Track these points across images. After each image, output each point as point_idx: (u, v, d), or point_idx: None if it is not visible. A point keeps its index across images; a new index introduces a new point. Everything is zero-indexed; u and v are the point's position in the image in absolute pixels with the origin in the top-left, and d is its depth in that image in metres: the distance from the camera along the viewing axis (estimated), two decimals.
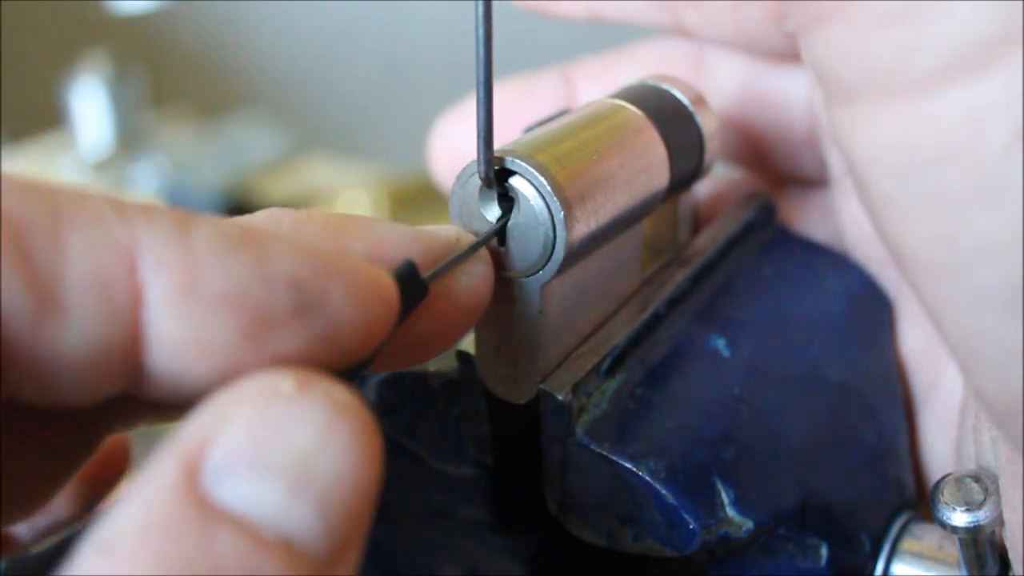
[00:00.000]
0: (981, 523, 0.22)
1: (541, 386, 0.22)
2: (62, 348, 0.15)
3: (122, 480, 0.25)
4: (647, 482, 0.22)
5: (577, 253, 0.22)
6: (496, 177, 0.21)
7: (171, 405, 0.17)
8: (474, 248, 0.21)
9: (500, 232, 0.22)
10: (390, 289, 0.18)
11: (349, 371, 0.18)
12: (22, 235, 0.15)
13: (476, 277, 0.21)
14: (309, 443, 0.15)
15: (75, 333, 0.15)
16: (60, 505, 0.24)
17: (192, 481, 0.15)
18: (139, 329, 0.16)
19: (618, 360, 0.24)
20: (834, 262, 0.30)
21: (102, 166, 1.07)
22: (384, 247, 0.19)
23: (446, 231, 0.21)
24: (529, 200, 0.21)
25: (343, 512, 0.15)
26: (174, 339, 0.16)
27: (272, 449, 0.15)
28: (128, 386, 0.16)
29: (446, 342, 0.21)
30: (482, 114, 0.20)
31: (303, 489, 0.15)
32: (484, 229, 0.22)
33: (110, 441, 0.24)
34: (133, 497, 0.14)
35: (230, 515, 0.14)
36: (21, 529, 0.24)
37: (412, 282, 0.19)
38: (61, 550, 0.15)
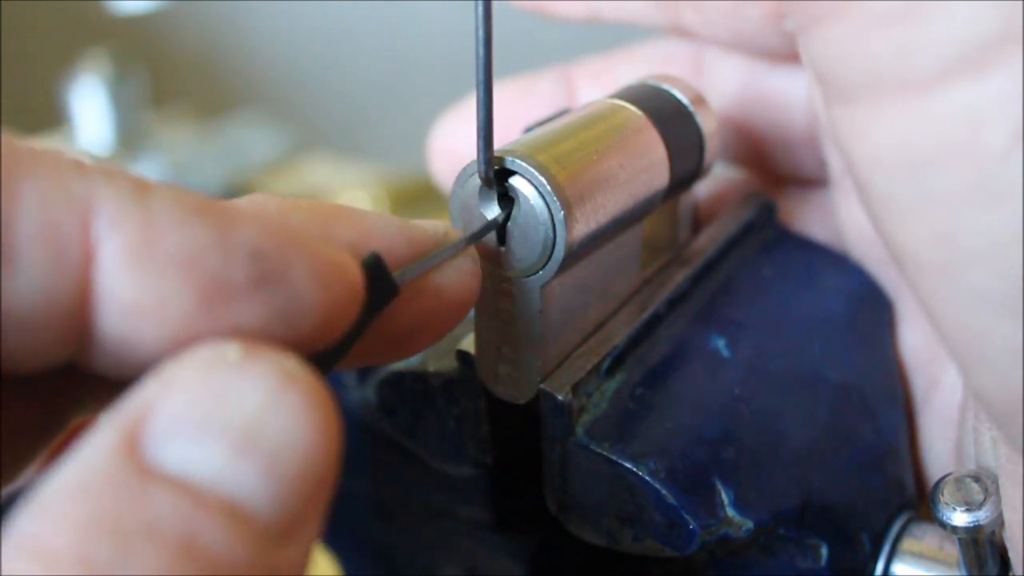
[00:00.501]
0: (981, 523, 0.22)
1: (541, 386, 0.22)
2: (10, 299, 0.15)
3: None
4: (647, 482, 0.22)
5: (577, 253, 0.22)
6: (496, 177, 0.21)
7: (121, 379, 0.16)
8: (455, 249, 0.20)
9: (494, 231, 0.22)
10: (354, 274, 0.17)
11: (319, 362, 0.17)
12: None
13: (463, 272, 0.20)
14: (255, 407, 0.14)
15: (23, 284, 0.15)
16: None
17: (131, 445, 0.14)
18: (89, 288, 0.15)
19: (618, 360, 0.24)
20: (834, 262, 0.30)
21: None
22: (370, 237, 0.19)
23: (434, 226, 0.20)
24: (529, 200, 0.21)
25: (294, 480, 0.15)
26: (125, 300, 0.15)
27: (216, 412, 0.14)
28: (77, 353, 0.16)
29: (432, 337, 0.21)
30: (482, 114, 0.20)
31: (248, 450, 0.14)
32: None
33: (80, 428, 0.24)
34: (69, 462, 0.14)
35: (168, 475, 0.14)
36: None
37: (380, 275, 0.18)
38: None
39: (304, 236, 0.17)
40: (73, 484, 0.14)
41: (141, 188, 0.16)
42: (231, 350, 0.15)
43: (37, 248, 0.15)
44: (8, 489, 0.16)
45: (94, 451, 0.14)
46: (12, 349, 0.15)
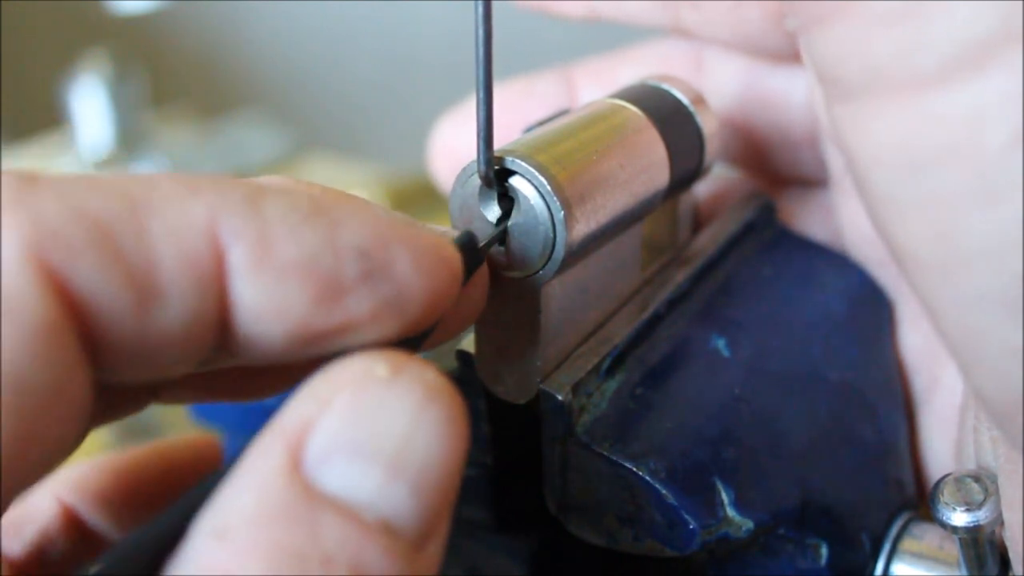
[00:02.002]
0: (981, 523, 0.22)
1: (541, 386, 0.22)
2: (164, 329, 0.16)
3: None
4: (647, 482, 0.22)
5: (577, 253, 0.22)
6: (496, 177, 0.21)
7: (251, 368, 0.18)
8: (491, 242, 0.21)
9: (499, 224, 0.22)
10: (453, 257, 0.18)
11: (412, 340, 0.18)
12: (110, 235, 0.15)
13: (472, 281, 0.21)
14: (404, 426, 0.16)
15: (173, 313, 0.16)
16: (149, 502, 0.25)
17: (296, 466, 0.15)
18: (226, 297, 0.16)
19: (618, 360, 0.24)
20: (834, 262, 0.30)
21: (102, 166, 1.07)
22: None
23: (443, 230, 0.21)
24: (529, 200, 0.21)
25: (435, 492, 0.16)
26: (253, 305, 0.16)
27: (370, 433, 0.15)
28: (215, 353, 0.17)
29: (441, 338, 0.21)
30: (482, 114, 0.20)
31: (399, 472, 0.15)
32: (484, 229, 0.22)
33: (203, 440, 0.25)
34: (242, 482, 0.15)
35: (333, 500, 0.15)
36: (105, 527, 0.24)
37: (470, 252, 0.20)
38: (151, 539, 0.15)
39: (405, 226, 0.18)
40: (252, 511, 0.15)
41: (252, 196, 0.17)
42: (380, 367, 0.16)
43: (180, 278, 0.16)
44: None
45: (264, 473, 0.15)
46: (165, 365, 0.16)
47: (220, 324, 0.16)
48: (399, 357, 0.16)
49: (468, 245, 0.20)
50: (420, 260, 0.18)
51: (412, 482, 0.15)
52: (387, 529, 0.15)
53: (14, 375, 0.14)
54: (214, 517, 0.15)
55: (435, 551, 0.16)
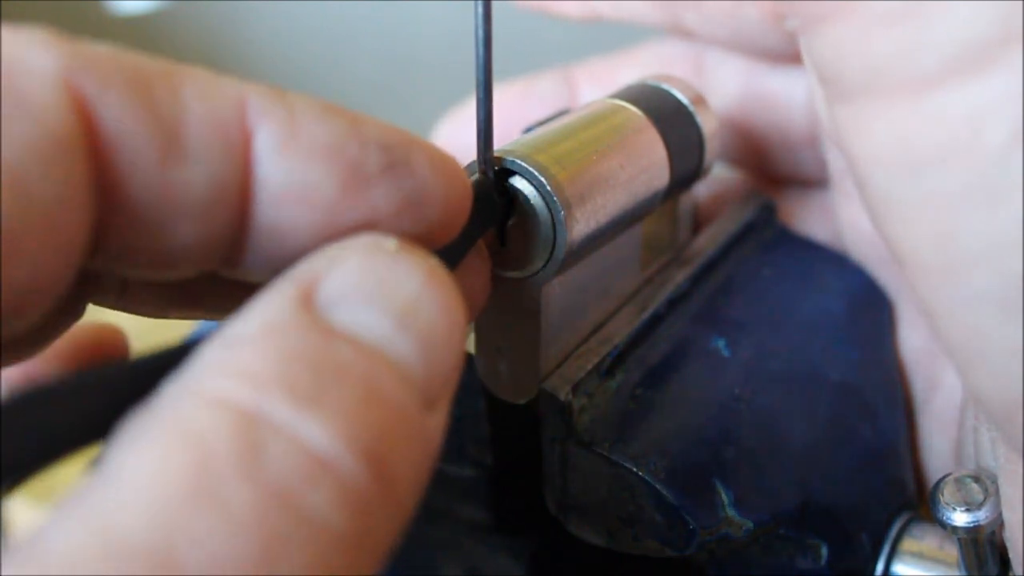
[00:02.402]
0: (981, 523, 0.22)
1: (541, 386, 0.22)
2: (184, 192, 0.16)
3: None
4: (647, 482, 0.22)
5: (577, 253, 0.22)
6: (496, 177, 0.21)
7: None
8: (489, 223, 0.21)
9: (493, 230, 0.22)
10: (462, 171, 0.18)
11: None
12: (143, 80, 0.15)
13: (474, 268, 0.21)
14: (413, 290, 0.16)
15: (198, 174, 0.16)
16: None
17: (308, 302, 0.15)
18: (250, 175, 0.16)
19: (618, 360, 0.24)
20: (834, 262, 0.30)
21: None
22: None
23: None
24: (529, 200, 0.21)
25: (441, 355, 0.16)
26: (278, 186, 0.16)
27: (381, 287, 0.16)
28: (231, 251, 0.17)
29: None
30: (482, 114, 0.20)
31: (408, 325, 0.15)
32: None
33: (109, 332, 0.24)
34: (250, 312, 0.15)
35: (343, 332, 0.15)
36: None
37: (486, 196, 0.20)
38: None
39: (419, 137, 0.18)
40: (263, 324, 0.15)
41: (278, 90, 0.17)
42: (388, 241, 0.16)
43: (208, 139, 0.16)
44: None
45: (274, 302, 0.15)
46: (188, 244, 0.16)
47: (241, 208, 0.16)
48: (404, 239, 0.16)
49: (484, 187, 0.20)
50: (436, 163, 0.18)
51: (421, 337, 0.15)
52: (399, 370, 0.15)
53: (14, 174, 0.14)
54: (220, 336, 0.15)
55: (439, 420, 0.16)
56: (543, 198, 0.21)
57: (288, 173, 0.16)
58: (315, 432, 0.14)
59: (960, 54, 0.17)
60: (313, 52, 1.46)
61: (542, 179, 0.21)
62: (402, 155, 0.17)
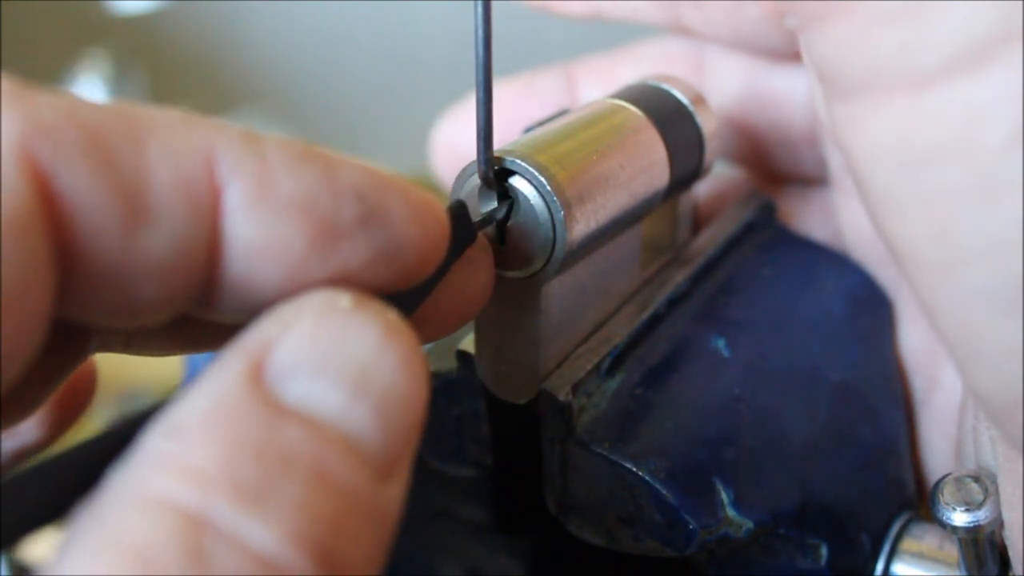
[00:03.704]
0: (981, 523, 0.22)
1: (541, 386, 0.22)
2: (149, 256, 0.15)
3: (88, 406, 0.24)
4: (647, 482, 0.22)
5: (577, 253, 0.22)
6: (496, 177, 0.21)
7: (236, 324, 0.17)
8: (487, 221, 0.21)
9: (494, 229, 0.22)
10: (442, 214, 0.18)
11: (406, 302, 0.18)
12: (104, 144, 0.15)
13: (476, 262, 0.21)
14: (367, 353, 0.15)
15: (162, 238, 0.15)
16: (29, 430, 0.23)
17: (257, 377, 0.15)
18: (218, 233, 0.16)
19: (618, 360, 0.24)
20: (834, 262, 0.30)
21: None
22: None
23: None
24: (529, 200, 0.21)
25: (400, 421, 0.15)
26: (248, 242, 0.16)
27: (333, 354, 0.15)
28: (200, 300, 0.16)
29: (448, 328, 0.21)
30: (482, 114, 0.20)
31: (363, 392, 0.15)
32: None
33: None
34: (197, 391, 0.15)
35: (295, 411, 0.15)
36: None
37: (462, 222, 0.20)
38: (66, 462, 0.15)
39: (397, 178, 0.18)
40: (208, 408, 0.14)
41: (251, 136, 0.16)
42: (342, 298, 0.16)
43: (173, 201, 0.15)
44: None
45: (222, 379, 0.15)
46: (144, 302, 0.16)
47: (208, 264, 0.16)
48: (362, 294, 0.16)
49: (459, 213, 0.20)
50: (413, 210, 0.17)
51: (376, 406, 0.15)
52: (351, 447, 0.15)
53: None
54: (164, 422, 0.14)
55: (399, 488, 0.16)
56: (543, 198, 0.21)
57: (258, 230, 0.16)
58: (261, 534, 0.13)
59: (960, 52, 0.17)
60: (313, 52, 1.46)
61: (542, 179, 0.21)
62: (378, 204, 0.17)
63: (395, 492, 0.15)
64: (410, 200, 0.17)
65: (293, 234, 0.16)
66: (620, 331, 0.24)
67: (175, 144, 0.15)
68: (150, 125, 0.15)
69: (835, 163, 0.29)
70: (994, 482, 0.22)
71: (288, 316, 0.15)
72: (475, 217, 0.21)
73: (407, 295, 0.18)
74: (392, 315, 0.16)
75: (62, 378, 0.19)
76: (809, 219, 0.32)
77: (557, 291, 0.22)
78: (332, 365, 0.15)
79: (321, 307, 0.16)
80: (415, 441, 0.16)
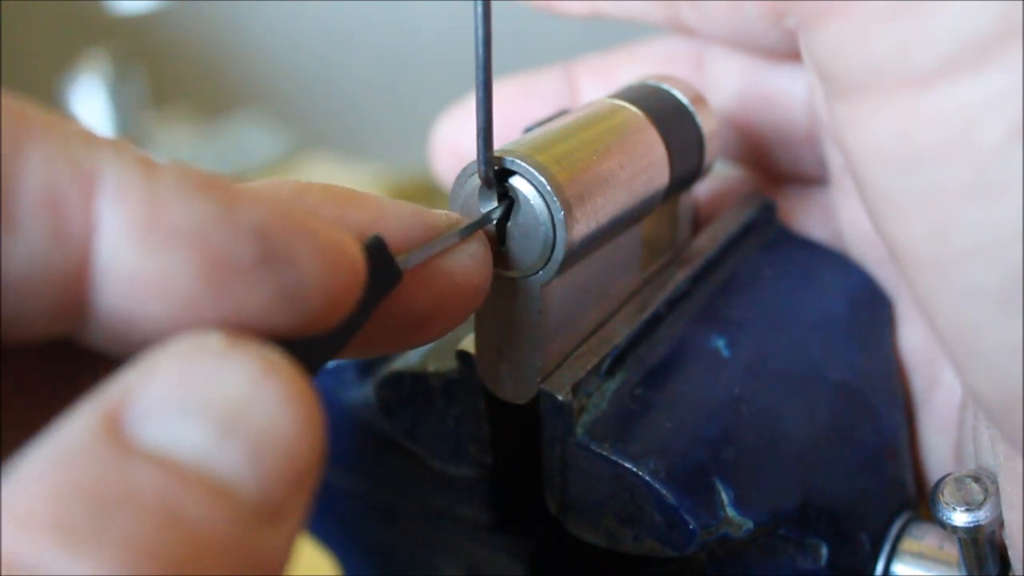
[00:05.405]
0: (981, 523, 0.22)
1: (541, 386, 0.22)
2: (8, 264, 0.14)
3: None
4: (647, 482, 0.22)
5: (577, 253, 0.22)
6: (496, 177, 0.21)
7: (122, 356, 0.16)
8: (456, 236, 0.20)
9: (494, 229, 0.22)
10: (355, 254, 0.17)
11: (320, 351, 0.17)
12: None
13: (475, 257, 0.20)
14: (239, 393, 0.14)
15: (22, 250, 0.14)
16: None
17: (111, 424, 0.14)
18: (89, 260, 0.15)
19: (618, 360, 0.24)
20: (834, 262, 0.30)
21: None
22: (385, 220, 0.19)
23: (447, 213, 0.20)
24: (529, 200, 0.21)
25: (278, 464, 0.14)
26: (126, 274, 0.15)
27: (199, 395, 0.14)
28: (75, 327, 0.16)
29: (447, 324, 0.21)
30: (482, 114, 0.20)
31: (232, 432, 0.14)
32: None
33: None
34: (46, 439, 0.14)
35: (149, 452, 0.14)
36: None
37: (383, 258, 0.18)
38: None
39: (306, 216, 0.16)
40: (50, 455, 0.14)
41: (148, 163, 0.15)
42: (213, 339, 0.15)
43: (38, 216, 0.14)
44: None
45: (72, 427, 0.14)
46: (8, 316, 0.15)
47: (76, 287, 0.15)
48: (239, 334, 0.15)
49: (376, 250, 0.18)
50: (321, 251, 0.16)
51: (250, 447, 0.14)
52: (215, 487, 0.14)
53: None
54: (7, 472, 0.13)
55: (283, 537, 0.15)
56: (543, 198, 0.21)
57: (138, 260, 0.15)
58: (86, 571, 0.13)
59: (959, 51, 0.17)
60: (313, 52, 1.46)
61: (542, 179, 0.21)
62: (281, 243, 0.16)
63: (279, 537, 0.15)
64: (319, 240, 0.16)
65: (179, 268, 0.15)
66: (620, 331, 0.24)
67: (54, 159, 0.15)
68: (39, 132, 0.15)
69: (835, 163, 0.29)
70: (994, 482, 0.22)
71: (151, 361, 0.15)
72: (475, 217, 0.21)
73: (321, 340, 0.17)
74: (272, 354, 0.15)
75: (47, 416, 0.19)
76: (809, 219, 0.32)
77: (557, 291, 0.22)
78: (197, 406, 0.14)
79: (190, 349, 0.15)
80: (309, 484, 0.15)
